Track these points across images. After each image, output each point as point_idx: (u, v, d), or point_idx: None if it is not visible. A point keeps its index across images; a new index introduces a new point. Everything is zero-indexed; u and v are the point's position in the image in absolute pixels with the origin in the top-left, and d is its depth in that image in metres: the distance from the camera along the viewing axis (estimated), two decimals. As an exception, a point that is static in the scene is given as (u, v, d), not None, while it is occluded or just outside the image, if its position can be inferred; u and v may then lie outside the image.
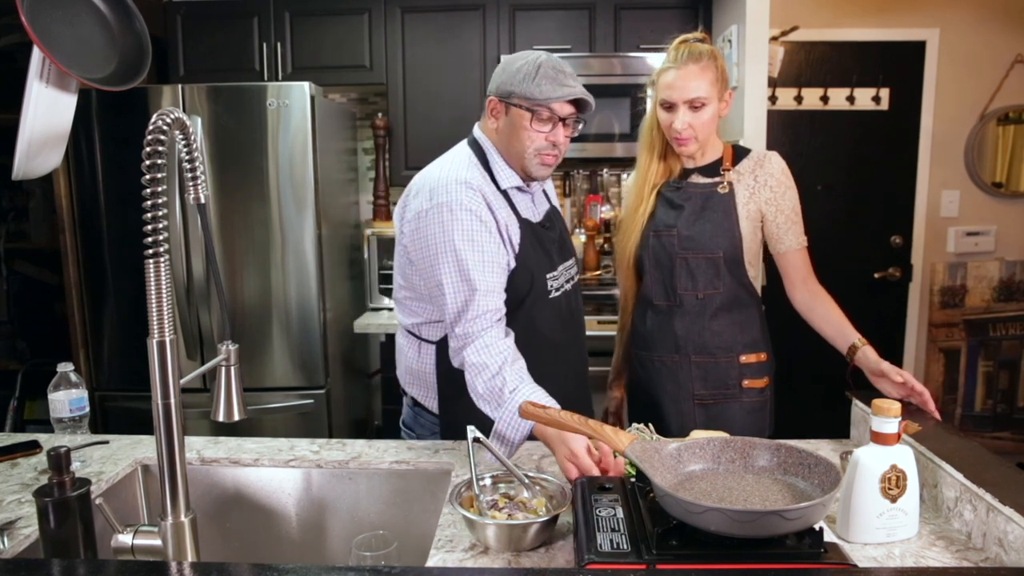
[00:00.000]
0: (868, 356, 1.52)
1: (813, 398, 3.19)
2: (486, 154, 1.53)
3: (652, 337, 1.72)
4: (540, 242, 1.56)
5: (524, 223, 1.53)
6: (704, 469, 1.04)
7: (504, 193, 1.52)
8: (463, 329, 1.40)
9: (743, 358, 1.67)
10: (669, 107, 1.61)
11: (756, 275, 1.71)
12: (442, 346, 1.54)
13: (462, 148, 1.56)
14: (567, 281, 1.63)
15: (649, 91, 1.72)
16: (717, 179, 1.66)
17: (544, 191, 1.68)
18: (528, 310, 1.52)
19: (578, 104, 1.48)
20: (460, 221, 1.41)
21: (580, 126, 1.52)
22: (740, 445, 1.05)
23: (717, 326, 1.66)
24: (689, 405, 1.69)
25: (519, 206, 1.54)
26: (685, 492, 0.97)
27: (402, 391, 1.69)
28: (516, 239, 1.50)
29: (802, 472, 1.00)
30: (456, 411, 1.52)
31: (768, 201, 1.64)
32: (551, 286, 1.57)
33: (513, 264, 1.49)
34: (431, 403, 1.60)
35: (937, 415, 1.40)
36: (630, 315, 1.80)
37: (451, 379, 1.50)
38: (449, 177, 1.46)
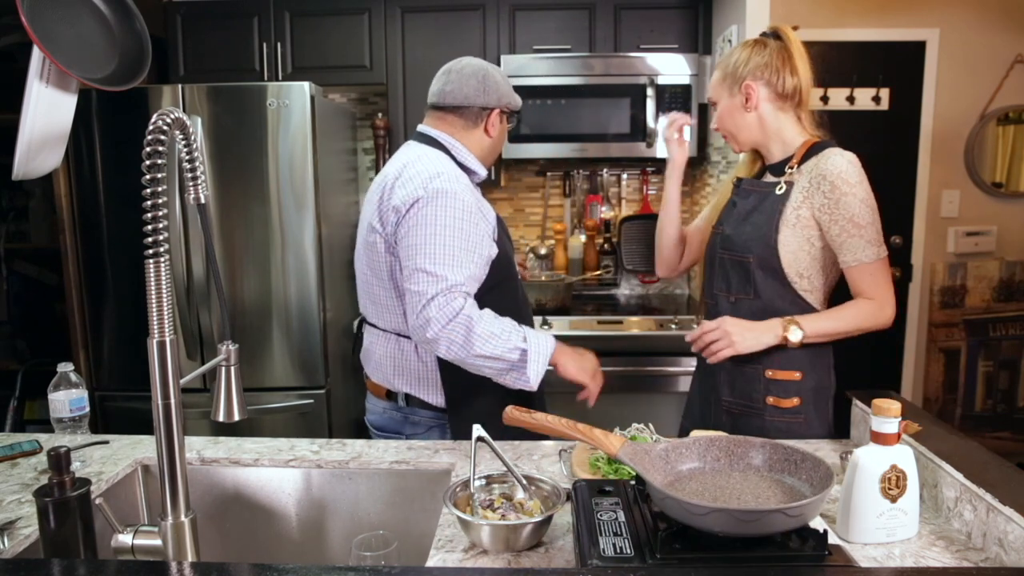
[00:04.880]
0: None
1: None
2: (451, 151, 1.62)
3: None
4: (504, 230, 1.70)
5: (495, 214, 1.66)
6: (692, 468, 1.04)
7: (478, 186, 1.67)
8: (447, 300, 1.45)
9: (769, 372, 1.55)
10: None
11: (812, 287, 1.55)
12: None
13: (427, 149, 1.62)
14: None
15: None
16: (779, 178, 1.58)
17: None
18: (502, 289, 1.62)
19: None
20: (457, 209, 1.49)
21: None
22: (726, 443, 1.05)
23: None
24: (717, 408, 1.65)
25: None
26: (678, 493, 0.96)
27: (387, 394, 1.69)
28: (496, 227, 1.63)
29: (789, 468, 1.00)
30: (465, 409, 1.61)
31: (821, 208, 1.49)
32: (516, 266, 1.74)
33: (496, 251, 1.59)
34: (434, 399, 1.63)
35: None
36: (702, 312, 1.80)
37: (458, 375, 1.56)
38: (439, 169, 1.54)
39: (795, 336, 1.49)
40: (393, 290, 1.59)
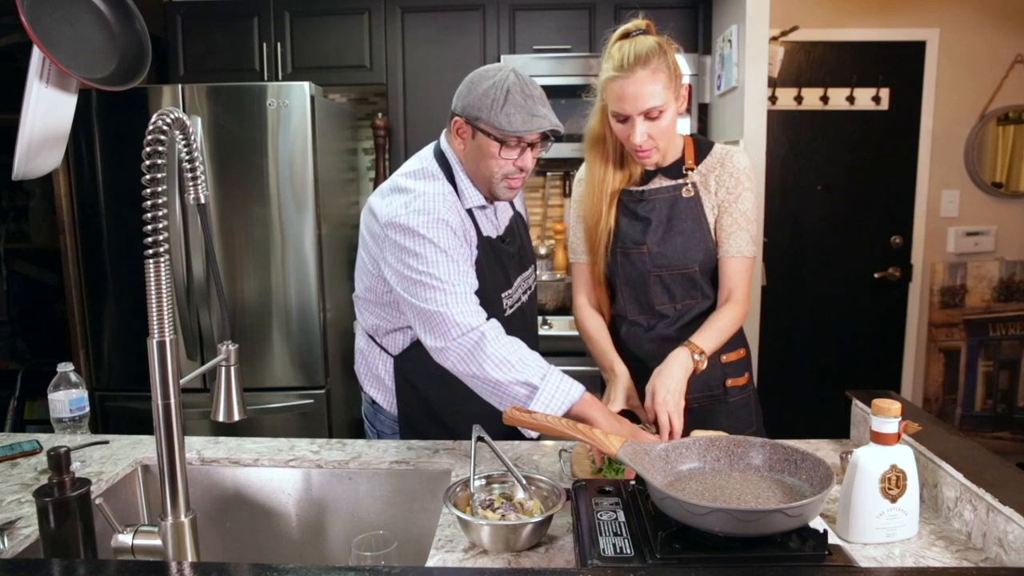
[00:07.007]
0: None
1: (807, 395, 3.20)
2: (452, 170, 1.49)
3: (629, 348, 1.62)
4: (498, 259, 1.53)
5: (484, 241, 1.50)
6: (692, 469, 1.04)
7: (468, 211, 1.49)
8: (465, 321, 1.34)
9: (724, 357, 1.58)
10: (623, 119, 1.44)
11: None
12: (401, 360, 1.58)
13: (431, 162, 1.51)
14: (524, 292, 1.64)
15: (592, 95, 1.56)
16: (681, 180, 1.54)
17: None
18: None
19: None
20: (441, 231, 1.39)
21: (548, 147, 1.49)
22: (726, 443, 1.05)
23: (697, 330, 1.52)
24: None
25: (480, 223, 1.52)
26: (677, 493, 0.97)
27: (360, 387, 1.68)
28: (473, 259, 1.47)
29: (789, 468, 1.00)
30: (415, 418, 1.59)
31: (723, 201, 1.53)
32: (506, 304, 1.55)
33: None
34: (389, 406, 1.62)
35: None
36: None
37: (410, 390, 1.58)
38: (427, 190, 1.43)
39: (704, 363, 1.43)
40: (371, 291, 1.54)
